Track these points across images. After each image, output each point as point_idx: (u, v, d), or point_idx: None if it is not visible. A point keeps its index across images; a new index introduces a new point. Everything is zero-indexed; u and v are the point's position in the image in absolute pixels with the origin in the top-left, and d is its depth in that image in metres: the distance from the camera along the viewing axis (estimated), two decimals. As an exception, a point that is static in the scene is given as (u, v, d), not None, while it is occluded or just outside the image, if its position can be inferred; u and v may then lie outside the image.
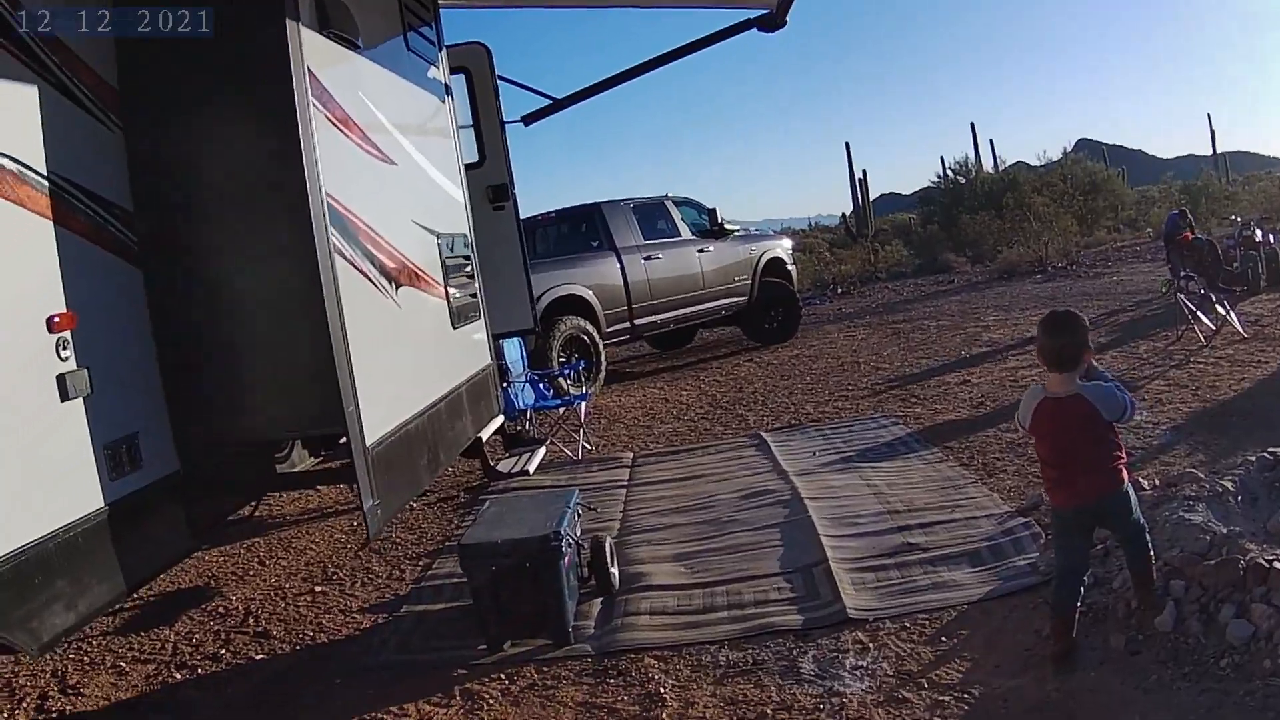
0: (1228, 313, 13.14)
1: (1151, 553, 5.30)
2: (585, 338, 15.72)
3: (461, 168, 10.63)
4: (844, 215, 40.87)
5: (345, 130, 7.34)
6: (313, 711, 5.93)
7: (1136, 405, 5.35)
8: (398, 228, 8.13)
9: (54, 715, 6.31)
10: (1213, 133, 50.78)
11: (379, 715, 5.73)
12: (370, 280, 7.33)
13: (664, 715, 5.31)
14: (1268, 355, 11.89)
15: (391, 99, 8.67)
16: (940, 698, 5.05)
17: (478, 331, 10.23)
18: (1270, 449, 6.67)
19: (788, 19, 12.15)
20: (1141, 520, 5.32)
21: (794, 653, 5.79)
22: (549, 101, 14.21)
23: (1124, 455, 5.20)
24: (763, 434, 11.48)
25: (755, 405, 13.59)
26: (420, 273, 8.56)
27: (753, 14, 12.46)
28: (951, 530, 7.25)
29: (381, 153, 8.11)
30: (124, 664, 6.96)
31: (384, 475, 6.93)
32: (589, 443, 12.14)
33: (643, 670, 5.86)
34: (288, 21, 6.41)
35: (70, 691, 6.58)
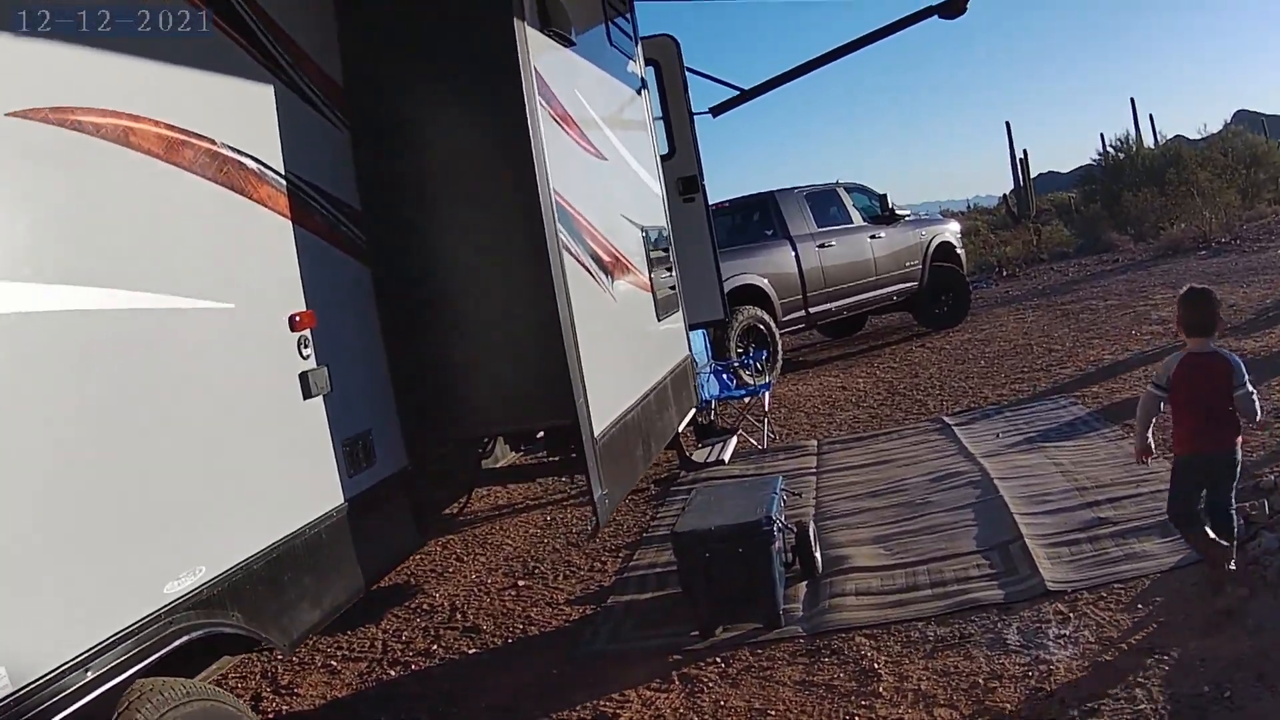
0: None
1: (1235, 527, 5.91)
2: (762, 327, 15.77)
3: (658, 161, 10.81)
4: (1005, 196, 40.13)
5: (565, 127, 7.49)
6: (534, 701, 6.11)
7: (1258, 402, 5.88)
8: (610, 222, 8.29)
9: (270, 715, 6.53)
10: (1378, 100, 48.90)
11: (600, 702, 5.91)
12: (591, 275, 7.49)
13: (880, 689, 5.46)
14: None
15: (600, 94, 8.81)
16: (1141, 660, 5.18)
17: (677, 323, 10.42)
18: None
19: (968, 5, 12.13)
20: (1234, 493, 5.99)
21: (999, 625, 5.93)
22: (736, 92, 14.27)
23: (1239, 427, 5.91)
24: (945, 418, 11.55)
25: (933, 390, 13.58)
26: (630, 266, 8.73)
27: (934, 1, 12.47)
28: (1139, 504, 7.28)
29: (594, 148, 8.26)
30: (334, 663, 7.20)
31: (609, 465, 7.06)
32: (772, 431, 12.25)
33: (855, 648, 6.00)
34: (515, 20, 6.54)
35: (284, 691, 6.83)
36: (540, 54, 7.03)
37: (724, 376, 13.06)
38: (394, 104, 6.67)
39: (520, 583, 8.29)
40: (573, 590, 7.95)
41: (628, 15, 10.24)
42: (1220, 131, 40.00)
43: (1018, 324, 18.31)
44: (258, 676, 7.08)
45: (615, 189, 8.92)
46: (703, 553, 6.43)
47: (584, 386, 6.67)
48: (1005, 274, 28.54)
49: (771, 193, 17.69)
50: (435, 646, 7.23)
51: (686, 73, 12.30)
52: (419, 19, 6.72)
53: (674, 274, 10.47)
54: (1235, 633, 5.23)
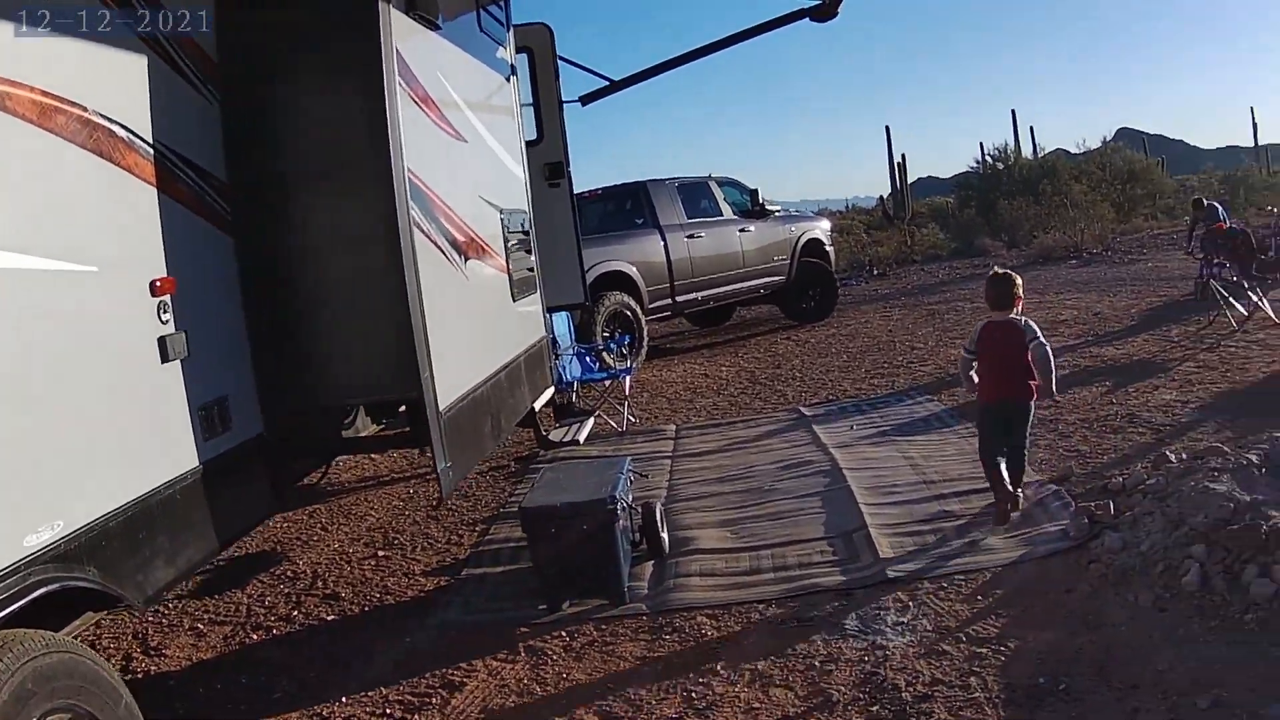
0: (1260, 300, 13.24)
1: (1026, 466, 7.48)
2: (628, 313, 15.92)
3: (523, 146, 10.87)
4: (881, 198, 40.67)
5: (425, 108, 7.55)
6: (387, 668, 6.22)
7: (1052, 356, 7.14)
8: (467, 203, 8.34)
9: (139, 675, 6.51)
10: (1255, 125, 50.81)
11: (449, 671, 6.04)
12: (444, 253, 7.55)
13: (719, 668, 5.61)
14: (1299, 341, 11.95)
15: (464, 78, 8.86)
16: (978, 650, 5.37)
17: (534, 304, 10.47)
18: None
19: (839, 11, 12.38)
20: (1029, 436, 7.49)
21: (838, 610, 6.12)
22: (606, 83, 14.37)
23: (1036, 383, 7.12)
24: (801, 409, 11.82)
25: (793, 381, 13.88)
26: (485, 247, 8.78)
27: (806, 3, 12.73)
28: (985, 499, 7.48)
29: (455, 130, 8.30)
30: (201, 626, 7.26)
31: (455, 439, 7.13)
32: (633, 415, 12.42)
33: (696, 627, 6.19)
34: (379, 3, 6.58)
35: (152, 653, 6.86)
36: (404, 37, 7.10)
37: (586, 359, 13.16)
38: (262, 80, 6.72)
39: (380, 553, 8.39)
40: (430, 562, 8.07)
41: (501, 3, 10.29)
42: (1099, 147, 41.13)
43: (883, 322, 18.77)
44: (129, 637, 7.14)
45: (475, 171, 8.99)
46: (549, 528, 6.56)
47: (430, 361, 6.75)
48: (876, 273, 29.14)
49: (644, 182, 17.87)
50: (296, 612, 7.31)
51: (559, 61, 12.40)
52: None
53: (534, 256, 10.55)
54: (1075, 627, 5.47)
